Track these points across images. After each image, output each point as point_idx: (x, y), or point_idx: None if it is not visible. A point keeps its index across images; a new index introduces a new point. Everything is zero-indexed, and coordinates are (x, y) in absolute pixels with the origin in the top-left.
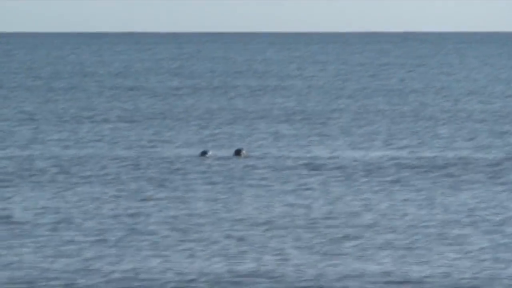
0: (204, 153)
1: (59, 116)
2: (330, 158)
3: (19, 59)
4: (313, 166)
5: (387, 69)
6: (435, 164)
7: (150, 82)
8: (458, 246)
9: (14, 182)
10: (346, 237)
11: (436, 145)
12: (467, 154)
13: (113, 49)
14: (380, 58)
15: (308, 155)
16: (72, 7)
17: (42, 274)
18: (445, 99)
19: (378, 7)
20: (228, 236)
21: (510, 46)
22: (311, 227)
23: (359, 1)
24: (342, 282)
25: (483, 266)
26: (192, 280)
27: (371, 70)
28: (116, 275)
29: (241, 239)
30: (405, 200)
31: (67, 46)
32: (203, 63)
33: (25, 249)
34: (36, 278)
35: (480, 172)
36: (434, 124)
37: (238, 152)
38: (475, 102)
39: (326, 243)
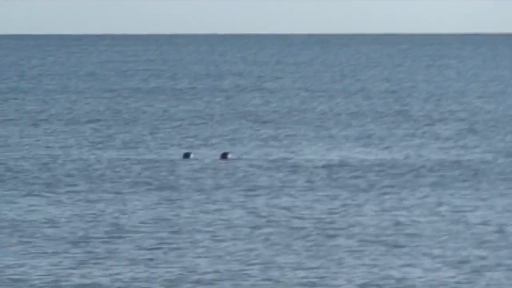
0: (187, 155)
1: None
2: (312, 159)
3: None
4: (296, 167)
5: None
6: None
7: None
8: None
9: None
10: (336, 238)
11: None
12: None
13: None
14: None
15: (292, 156)
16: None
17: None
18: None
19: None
20: (213, 239)
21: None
22: (296, 228)
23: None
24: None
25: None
26: (177, 280)
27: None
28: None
29: (226, 240)
30: (395, 201)
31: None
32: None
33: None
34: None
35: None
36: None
37: (224, 155)
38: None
39: (314, 245)
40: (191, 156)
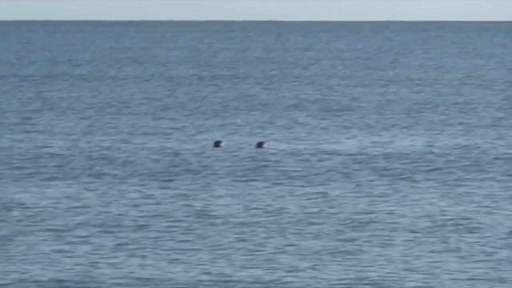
0: (217, 144)
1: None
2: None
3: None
4: (337, 157)
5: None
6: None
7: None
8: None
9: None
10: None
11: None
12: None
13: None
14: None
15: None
16: None
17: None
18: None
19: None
20: (243, 225)
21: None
22: (333, 217)
23: None
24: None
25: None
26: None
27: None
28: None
29: (261, 229)
30: (423, 194)
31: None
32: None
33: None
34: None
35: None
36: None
37: (260, 145)
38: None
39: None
40: (222, 144)
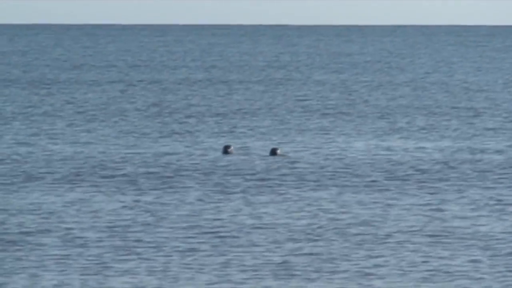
0: (226, 149)
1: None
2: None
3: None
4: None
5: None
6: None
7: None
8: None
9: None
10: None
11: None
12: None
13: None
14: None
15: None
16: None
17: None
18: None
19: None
20: (254, 233)
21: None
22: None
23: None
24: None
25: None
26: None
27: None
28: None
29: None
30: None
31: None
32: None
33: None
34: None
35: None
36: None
37: (274, 151)
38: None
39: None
40: (231, 149)
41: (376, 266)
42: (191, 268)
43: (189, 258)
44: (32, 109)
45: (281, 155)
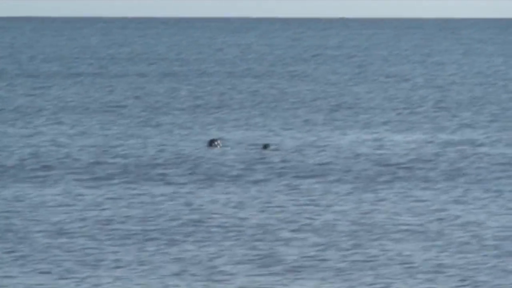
0: (212, 142)
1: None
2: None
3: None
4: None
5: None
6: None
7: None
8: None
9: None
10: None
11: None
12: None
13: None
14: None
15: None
16: None
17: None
18: None
19: None
20: (252, 228)
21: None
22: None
23: None
24: None
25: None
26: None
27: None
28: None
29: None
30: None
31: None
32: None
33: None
34: None
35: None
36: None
37: (266, 146)
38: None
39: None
40: (217, 142)
41: (368, 260)
42: (178, 260)
43: (176, 250)
44: (26, 103)
45: (271, 149)
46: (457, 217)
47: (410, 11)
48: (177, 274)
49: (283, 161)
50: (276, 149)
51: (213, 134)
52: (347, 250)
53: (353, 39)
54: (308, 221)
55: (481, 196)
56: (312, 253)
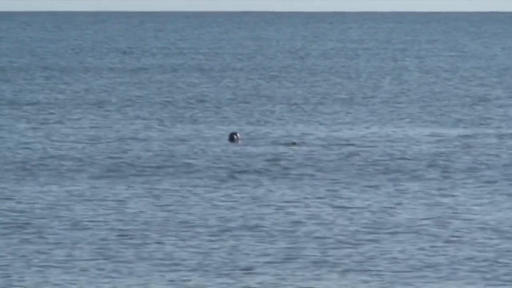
0: (232, 136)
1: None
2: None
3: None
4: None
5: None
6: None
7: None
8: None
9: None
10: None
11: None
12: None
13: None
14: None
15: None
16: None
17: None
18: None
19: None
20: (258, 227)
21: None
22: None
23: None
24: None
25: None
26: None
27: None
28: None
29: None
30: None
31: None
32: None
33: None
34: None
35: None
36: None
37: (293, 143)
38: None
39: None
40: (237, 136)
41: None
42: (199, 255)
43: (196, 244)
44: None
45: (294, 145)
46: (476, 216)
47: (431, 5)
48: (197, 269)
49: (306, 157)
50: (299, 145)
51: (234, 129)
52: (367, 245)
53: (373, 34)
54: (329, 218)
55: (505, 194)
56: (333, 249)
